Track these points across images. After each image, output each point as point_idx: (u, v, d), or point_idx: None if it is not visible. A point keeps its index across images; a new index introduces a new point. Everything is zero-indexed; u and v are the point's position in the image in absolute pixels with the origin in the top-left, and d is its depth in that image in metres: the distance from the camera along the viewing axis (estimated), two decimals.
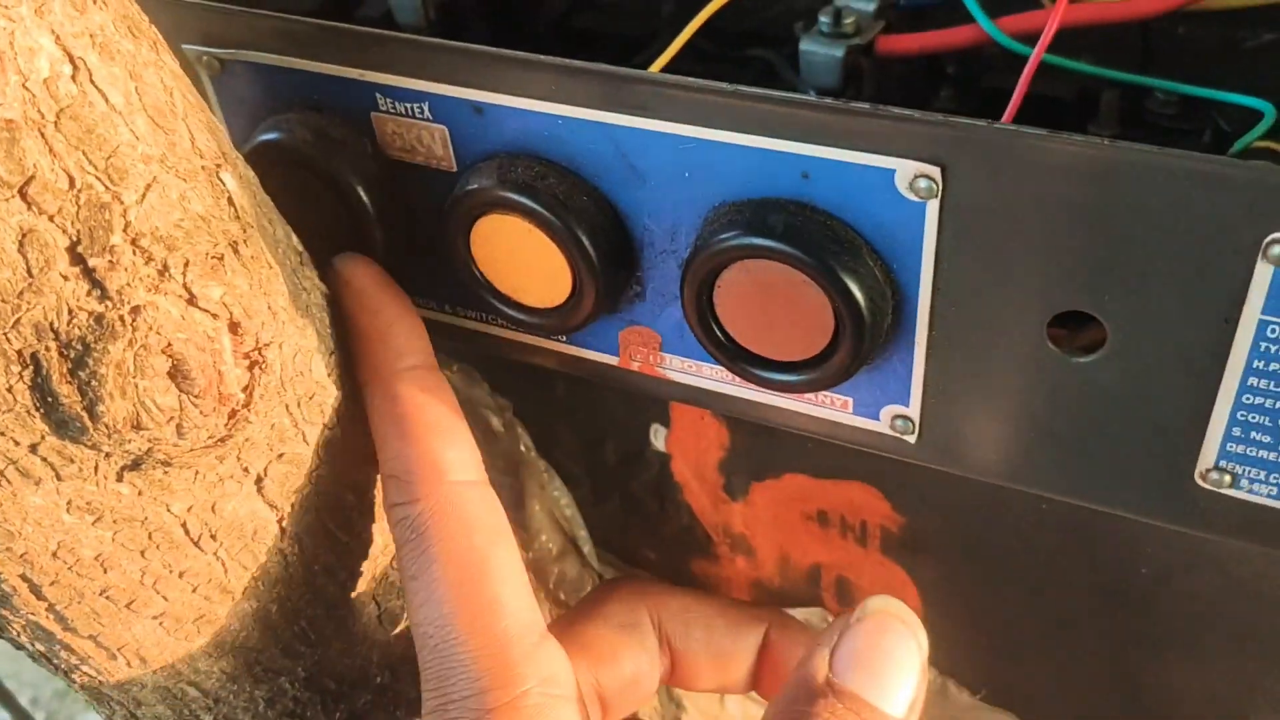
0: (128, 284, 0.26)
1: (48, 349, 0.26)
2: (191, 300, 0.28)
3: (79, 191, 0.26)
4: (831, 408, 0.34)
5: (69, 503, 0.28)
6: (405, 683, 0.38)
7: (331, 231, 0.36)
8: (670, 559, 0.49)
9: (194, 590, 0.32)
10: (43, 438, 0.27)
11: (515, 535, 0.44)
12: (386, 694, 0.37)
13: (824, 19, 0.40)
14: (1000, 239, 0.28)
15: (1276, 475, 0.29)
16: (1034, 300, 0.29)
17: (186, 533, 0.31)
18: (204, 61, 0.36)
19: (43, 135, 0.25)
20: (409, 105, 0.33)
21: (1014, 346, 0.30)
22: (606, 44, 0.40)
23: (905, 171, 0.28)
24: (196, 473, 0.30)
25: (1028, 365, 0.30)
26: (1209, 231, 0.26)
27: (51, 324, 0.26)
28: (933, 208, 0.28)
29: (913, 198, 0.28)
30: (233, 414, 0.29)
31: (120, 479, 0.29)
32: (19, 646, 0.33)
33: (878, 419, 0.33)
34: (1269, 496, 0.30)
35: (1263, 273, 0.26)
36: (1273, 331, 0.27)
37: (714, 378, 0.35)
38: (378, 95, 0.33)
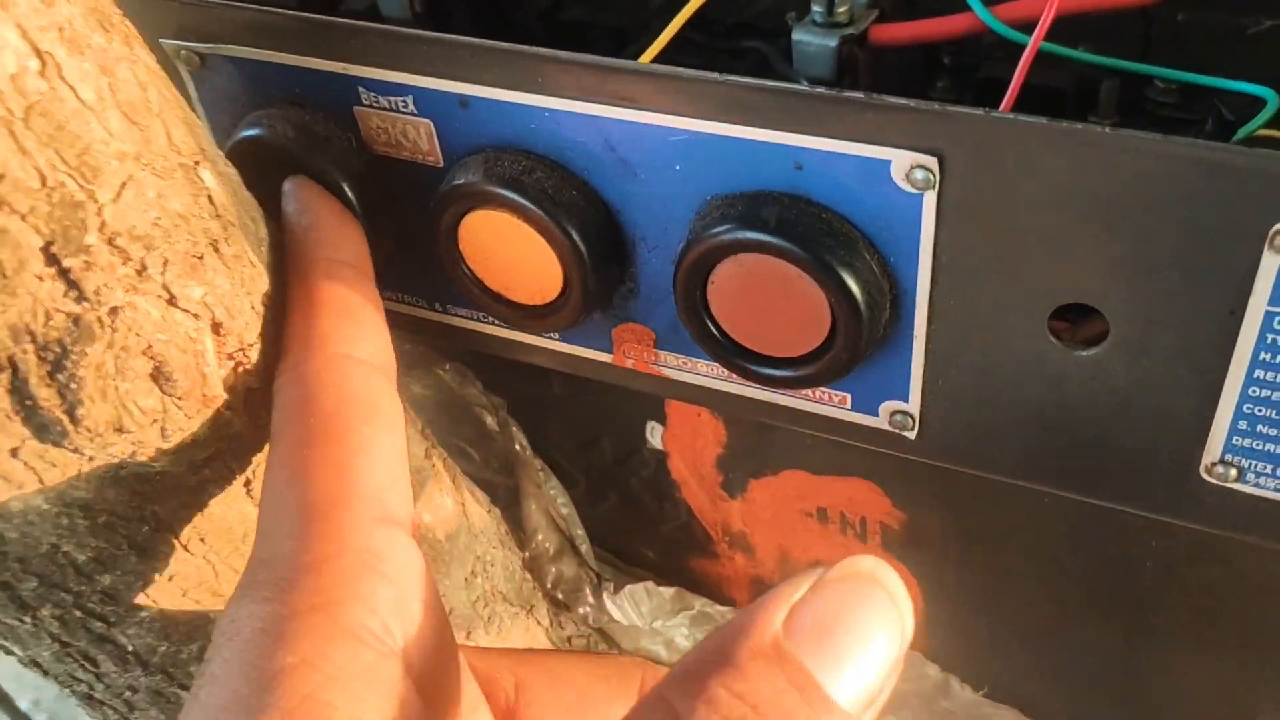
0: (105, 284, 0.26)
1: (25, 351, 0.25)
2: (172, 300, 0.27)
3: (51, 190, 0.25)
4: (829, 404, 0.33)
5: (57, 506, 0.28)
6: None
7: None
8: (668, 557, 0.48)
9: (184, 594, 0.31)
10: (23, 442, 0.26)
11: (512, 535, 0.43)
12: None
13: (817, 8, 0.39)
14: (1000, 230, 0.27)
15: None
16: (1035, 293, 0.28)
17: (175, 536, 0.30)
18: (183, 56, 0.35)
19: (11, 132, 0.24)
20: (393, 99, 0.32)
21: (1015, 340, 0.29)
22: (596, 36, 0.39)
23: (901, 162, 0.27)
24: (182, 475, 0.29)
25: (1029, 359, 0.29)
26: (1213, 221, 0.25)
27: (28, 326, 0.25)
28: (930, 199, 0.28)
29: (909, 189, 0.28)
30: (218, 415, 0.28)
31: (105, 482, 0.28)
32: (9, 653, 0.32)
33: (876, 415, 0.33)
34: (1276, 490, 0.29)
35: (1269, 263, 0.25)
36: (1279, 323, 0.26)
37: (710, 374, 0.34)
38: (361, 89, 0.33)
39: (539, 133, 0.31)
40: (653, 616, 0.47)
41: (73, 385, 0.26)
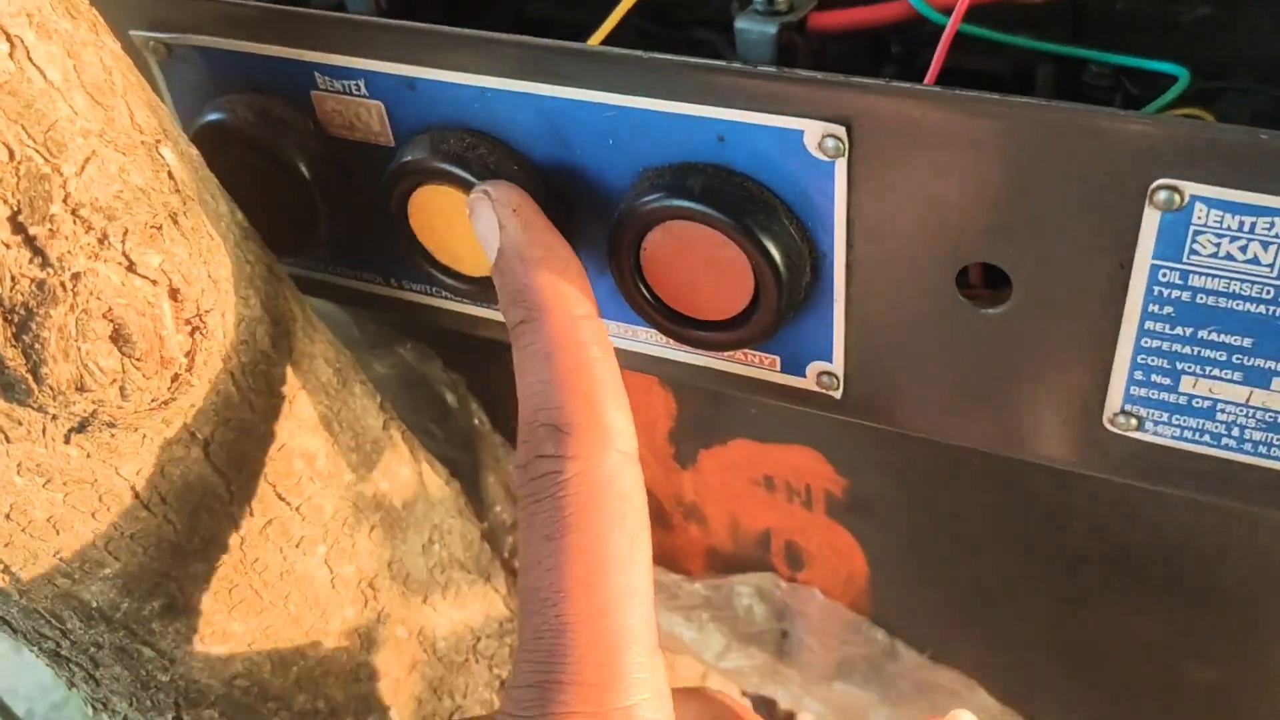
0: (68, 251, 0.28)
1: None
2: (131, 267, 0.29)
3: (19, 163, 0.27)
4: (760, 366, 0.35)
5: (19, 465, 0.30)
6: (357, 648, 0.39)
7: (277, 209, 0.37)
8: None
9: (144, 552, 0.33)
10: None
11: (471, 506, 0.45)
12: (339, 659, 0.39)
13: None
14: (906, 195, 0.29)
15: (1179, 417, 0.31)
16: (942, 254, 0.30)
17: (136, 495, 0.32)
18: (151, 47, 0.37)
19: None
20: (346, 83, 0.34)
21: (926, 300, 0.31)
22: (560, 33, 0.41)
23: (813, 132, 0.29)
24: (144, 436, 0.31)
25: (940, 318, 0.31)
26: (1100, 181, 0.27)
27: None
28: (841, 166, 0.29)
29: (822, 157, 0.30)
30: (175, 378, 0.30)
31: (68, 441, 0.30)
32: None
33: (804, 376, 0.34)
34: (1173, 438, 0.31)
35: (1150, 218, 0.27)
36: (1164, 275, 0.28)
37: (650, 341, 0.36)
38: (316, 74, 0.35)
39: (482, 112, 0.33)
40: None
41: (37, 346, 0.28)
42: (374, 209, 0.36)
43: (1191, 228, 0.27)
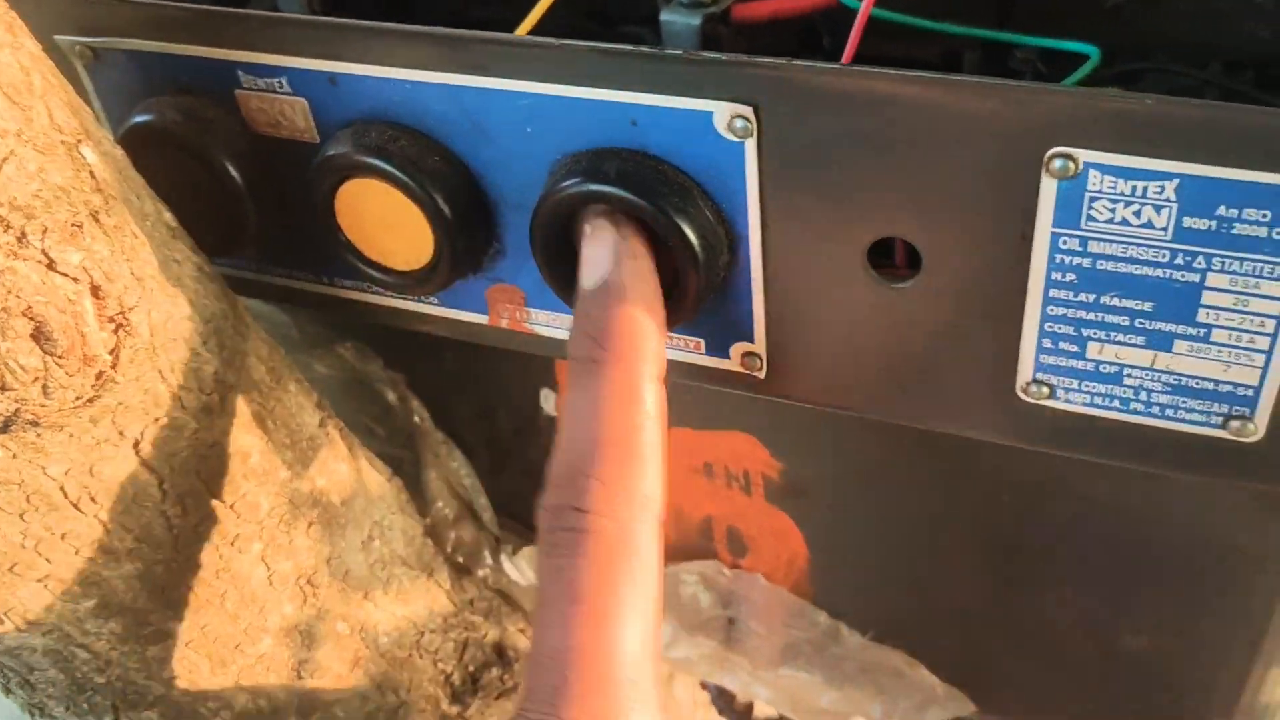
0: None
1: None
2: (51, 265, 0.29)
3: None
4: (686, 349, 0.35)
5: None
6: (297, 645, 0.39)
7: (207, 209, 0.37)
8: None
9: (77, 552, 0.33)
10: None
11: (413, 503, 0.45)
12: (278, 656, 0.39)
13: None
14: (814, 172, 0.30)
15: (1088, 383, 0.31)
16: (852, 230, 0.31)
17: (65, 495, 0.32)
18: (78, 51, 0.37)
19: None
20: (269, 80, 0.35)
21: (840, 276, 0.32)
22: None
23: (722, 113, 0.30)
24: (70, 435, 0.31)
25: (852, 294, 0.32)
26: (997, 152, 0.28)
27: None
28: (751, 146, 0.30)
29: (732, 138, 0.30)
30: (100, 375, 0.30)
31: None
32: None
33: (728, 357, 0.35)
34: (1084, 405, 0.32)
35: (1048, 187, 0.28)
36: (1065, 243, 0.29)
37: None
38: (240, 73, 0.35)
39: (402, 104, 0.33)
40: None
41: None
42: (302, 206, 0.37)
43: (1087, 194, 0.28)
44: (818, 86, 0.28)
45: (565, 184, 0.32)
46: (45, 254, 0.29)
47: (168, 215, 0.35)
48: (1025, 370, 0.32)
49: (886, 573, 0.46)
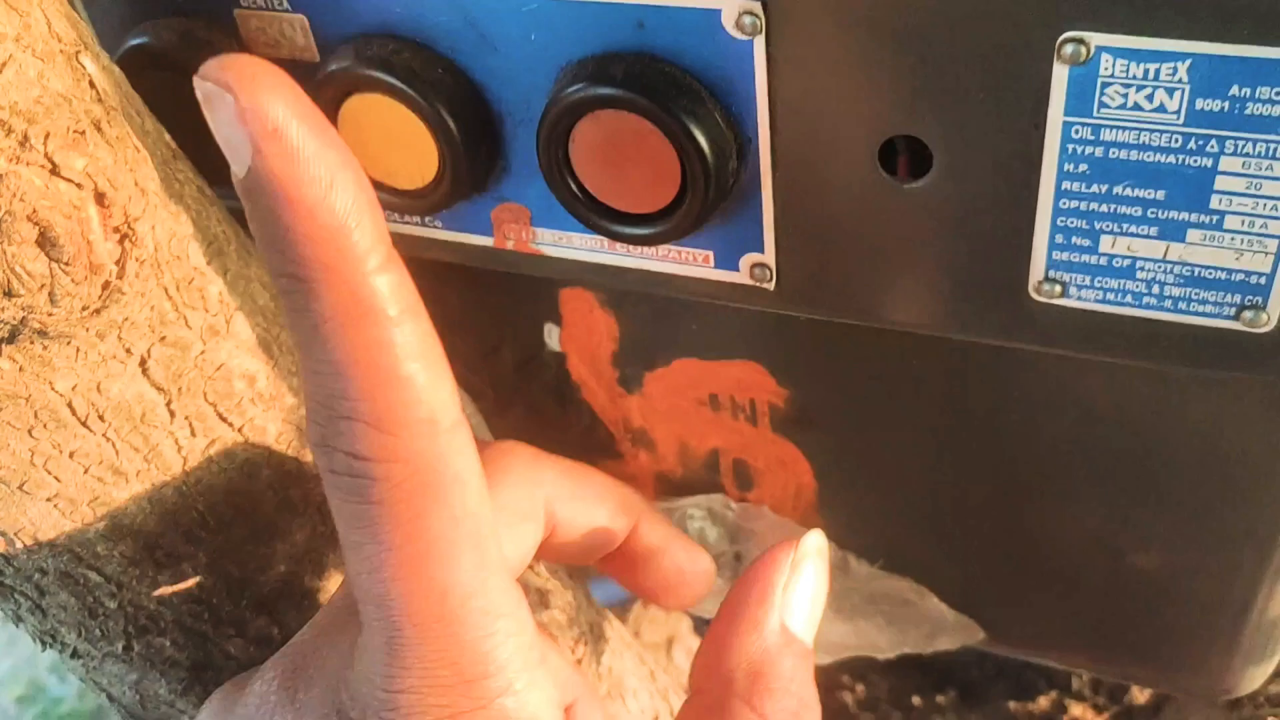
0: None
1: None
2: (54, 170, 0.29)
3: None
4: (694, 264, 0.35)
5: None
6: (309, 574, 0.39)
7: (205, 133, 0.37)
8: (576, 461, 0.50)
9: (85, 471, 0.33)
10: None
11: None
12: (291, 582, 0.39)
13: None
14: (825, 69, 0.30)
15: (1101, 279, 0.31)
16: (863, 129, 0.31)
17: (73, 412, 0.32)
18: None
19: None
20: None
21: (851, 179, 0.32)
22: None
23: (730, 10, 0.30)
24: (77, 349, 0.31)
25: (865, 196, 0.32)
26: (1007, 38, 0.28)
27: None
28: (760, 44, 0.30)
29: (740, 36, 0.30)
30: (106, 285, 0.30)
31: None
32: None
33: (738, 269, 0.35)
34: (1096, 301, 0.32)
35: (1060, 74, 0.28)
36: (1077, 133, 0.29)
37: (585, 247, 0.36)
38: None
39: (405, 16, 0.33)
40: None
41: None
42: None
43: (1099, 80, 0.28)
44: None
45: (571, 90, 0.31)
46: (49, 158, 0.29)
47: (168, 138, 0.35)
48: (1037, 269, 0.32)
49: (894, 500, 0.46)
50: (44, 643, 0.37)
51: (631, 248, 0.35)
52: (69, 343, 0.31)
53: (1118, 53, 0.27)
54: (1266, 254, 0.29)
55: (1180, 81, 0.27)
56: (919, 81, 0.29)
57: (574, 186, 0.33)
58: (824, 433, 0.45)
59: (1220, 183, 0.28)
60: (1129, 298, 0.31)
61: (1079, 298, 0.32)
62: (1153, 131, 0.28)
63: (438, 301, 0.48)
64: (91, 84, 0.30)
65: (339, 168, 0.25)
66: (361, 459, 0.25)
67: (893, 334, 0.37)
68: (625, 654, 0.49)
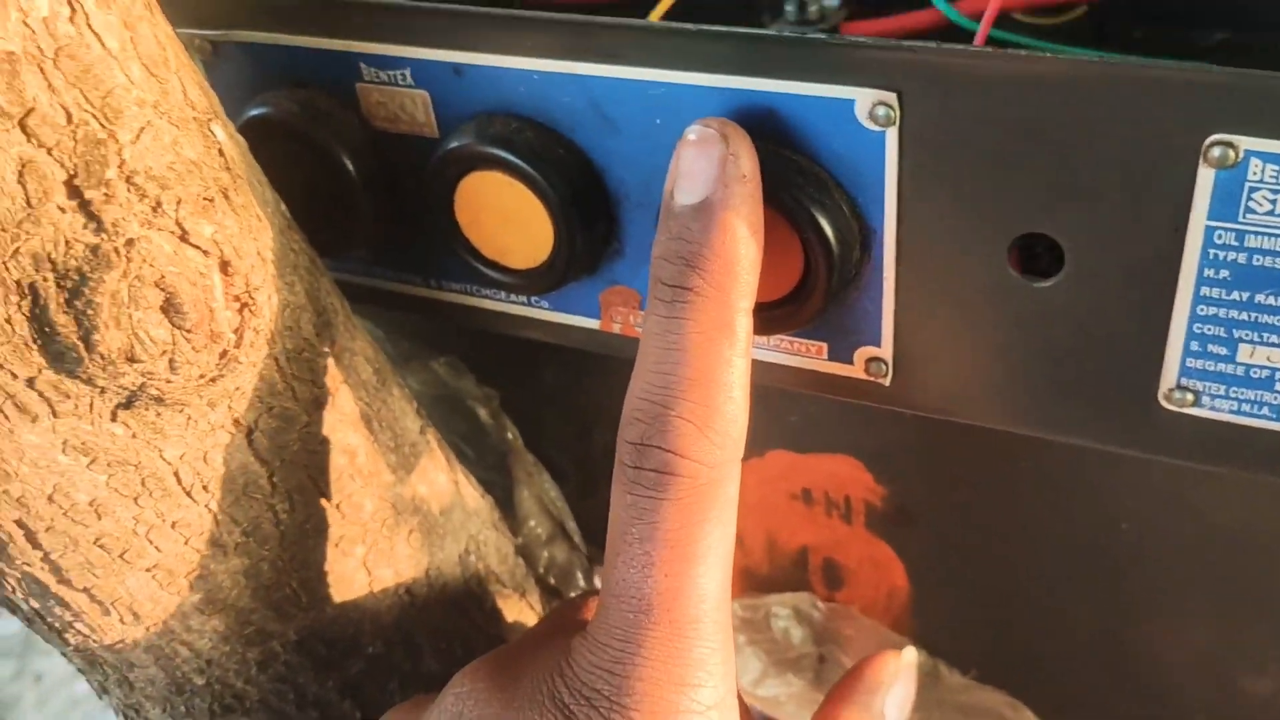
0: (122, 218, 0.28)
1: (45, 279, 0.27)
2: (184, 236, 0.29)
3: (76, 127, 0.27)
4: (807, 355, 0.35)
5: (64, 443, 0.29)
6: (398, 653, 0.38)
7: (320, 204, 0.37)
8: None
9: (186, 542, 0.32)
10: (40, 371, 0.28)
11: (505, 522, 0.44)
12: (379, 663, 0.38)
13: (789, 8, 0.42)
14: (958, 163, 0.29)
15: (1237, 389, 0.30)
16: (994, 225, 0.30)
17: (179, 481, 0.31)
18: (196, 45, 0.37)
19: (42, 70, 0.26)
20: (392, 73, 0.35)
21: (978, 275, 0.31)
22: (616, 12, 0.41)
23: (864, 101, 0.29)
24: (189, 417, 0.31)
25: (992, 294, 0.31)
26: (1151, 138, 0.27)
27: (49, 254, 0.27)
28: (892, 135, 0.30)
29: (872, 127, 0.30)
30: (224, 354, 0.30)
31: (114, 418, 0.29)
32: (13, 608, 0.33)
33: (852, 363, 0.34)
34: (1231, 413, 0.31)
35: (1205, 177, 0.27)
36: (1220, 238, 0.28)
37: None
38: (361, 65, 0.35)
39: (528, 95, 0.33)
40: None
41: (89, 312, 0.27)
42: (418, 203, 0.36)
43: (1247, 184, 0.27)
44: (968, 70, 0.28)
45: None
46: (179, 224, 0.29)
47: (284, 208, 0.35)
48: (1169, 376, 0.31)
49: (992, 607, 0.44)
50: (127, 717, 0.36)
51: None
52: (181, 410, 0.30)
53: (1268, 158, 0.26)
54: None
55: None
56: (1055, 179, 0.29)
57: None
58: (922, 533, 0.43)
59: None
60: (1266, 410, 0.30)
61: (1212, 408, 0.31)
62: None
63: (531, 381, 0.48)
64: (221, 152, 0.31)
65: (760, 227, 0.30)
66: (678, 455, 0.28)
67: (1001, 433, 0.36)
68: None
